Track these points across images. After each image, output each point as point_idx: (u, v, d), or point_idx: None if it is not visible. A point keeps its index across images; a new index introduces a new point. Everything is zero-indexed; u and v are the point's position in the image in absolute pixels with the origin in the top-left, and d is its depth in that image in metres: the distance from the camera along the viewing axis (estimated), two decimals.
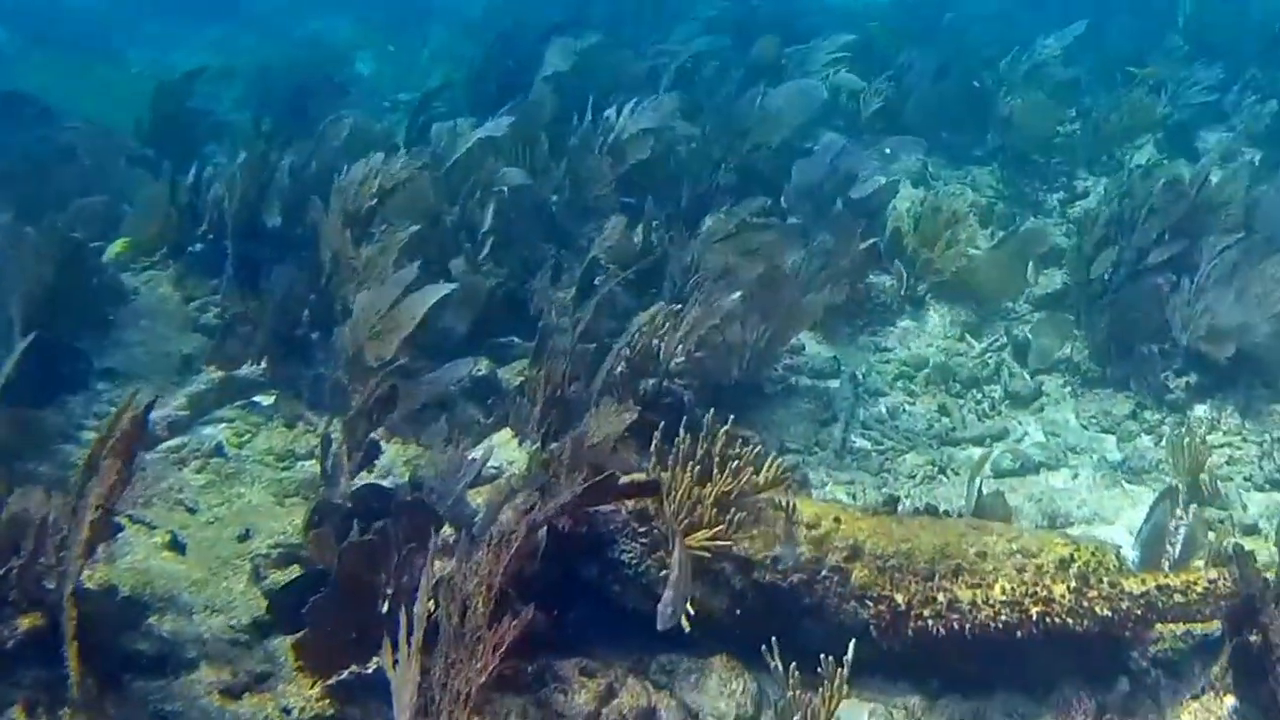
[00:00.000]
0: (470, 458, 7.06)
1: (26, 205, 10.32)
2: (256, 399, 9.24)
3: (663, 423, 8.09)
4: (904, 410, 9.52)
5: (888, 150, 12.65)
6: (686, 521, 6.52)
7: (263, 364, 9.28)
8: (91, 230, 10.52)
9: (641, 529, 6.73)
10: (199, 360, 9.51)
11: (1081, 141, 13.33)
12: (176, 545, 7.47)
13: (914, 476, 8.81)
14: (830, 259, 9.66)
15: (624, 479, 6.45)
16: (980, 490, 7.92)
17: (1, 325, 8.82)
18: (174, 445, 8.67)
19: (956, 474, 8.80)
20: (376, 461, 7.94)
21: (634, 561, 6.69)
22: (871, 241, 10.27)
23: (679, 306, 8.90)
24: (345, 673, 6.26)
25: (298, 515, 7.65)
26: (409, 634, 5.56)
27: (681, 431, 6.79)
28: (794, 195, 11.20)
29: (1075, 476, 8.87)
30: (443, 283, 8.83)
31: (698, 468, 6.64)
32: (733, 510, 6.58)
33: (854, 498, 8.49)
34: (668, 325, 8.65)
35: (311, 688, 6.22)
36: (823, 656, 5.79)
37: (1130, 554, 7.40)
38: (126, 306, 10.02)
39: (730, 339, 8.86)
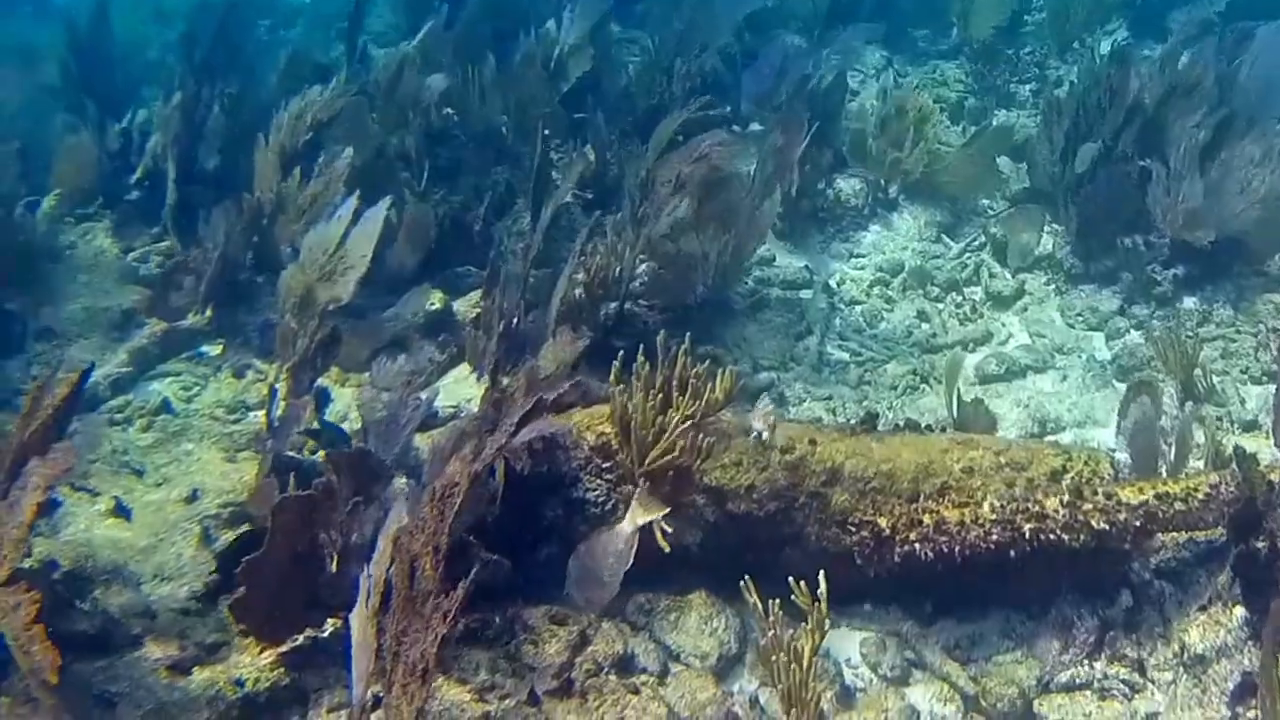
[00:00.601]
0: (415, 399, 6.55)
1: None
2: (203, 349, 8.75)
3: (623, 348, 7.80)
4: (881, 318, 9.03)
5: (834, 55, 12.06)
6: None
7: (207, 312, 8.76)
8: (16, 185, 9.92)
9: (605, 464, 6.28)
10: (140, 313, 8.98)
11: (1050, 29, 12.73)
12: (121, 512, 7.02)
13: (895, 387, 8.34)
14: (779, 157, 9.10)
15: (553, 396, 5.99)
16: (960, 399, 7.46)
17: None
18: (117, 405, 8.19)
19: (939, 381, 8.32)
20: (328, 408, 7.47)
21: (599, 499, 6.25)
22: (814, 126, 9.64)
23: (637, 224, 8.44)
24: (300, 638, 5.82)
25: (249, 471, 7.20)
26: (365, 598, 5.13)
27: (641, 356, 6.30)
28: (749, 104, 10.65)
29: (1064, 378, 8.39)
30: (380, 205, 8.21)
31: (659, 395, 6.17)
32: (701, 437, 6.12)
33: (834, 414, 8.03)
34: (625, 245, 8.16)
35: (262, 655, 5.78)
36: (797, 584, 5.30)
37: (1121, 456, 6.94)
38: (61, 263, 9.47)
39: (690, 252, 8.34)
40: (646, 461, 5.98)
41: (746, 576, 5.41)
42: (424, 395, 6.79)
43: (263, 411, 7.82)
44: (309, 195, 8.74)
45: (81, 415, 7.82)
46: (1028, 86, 12.03)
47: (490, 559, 5.98)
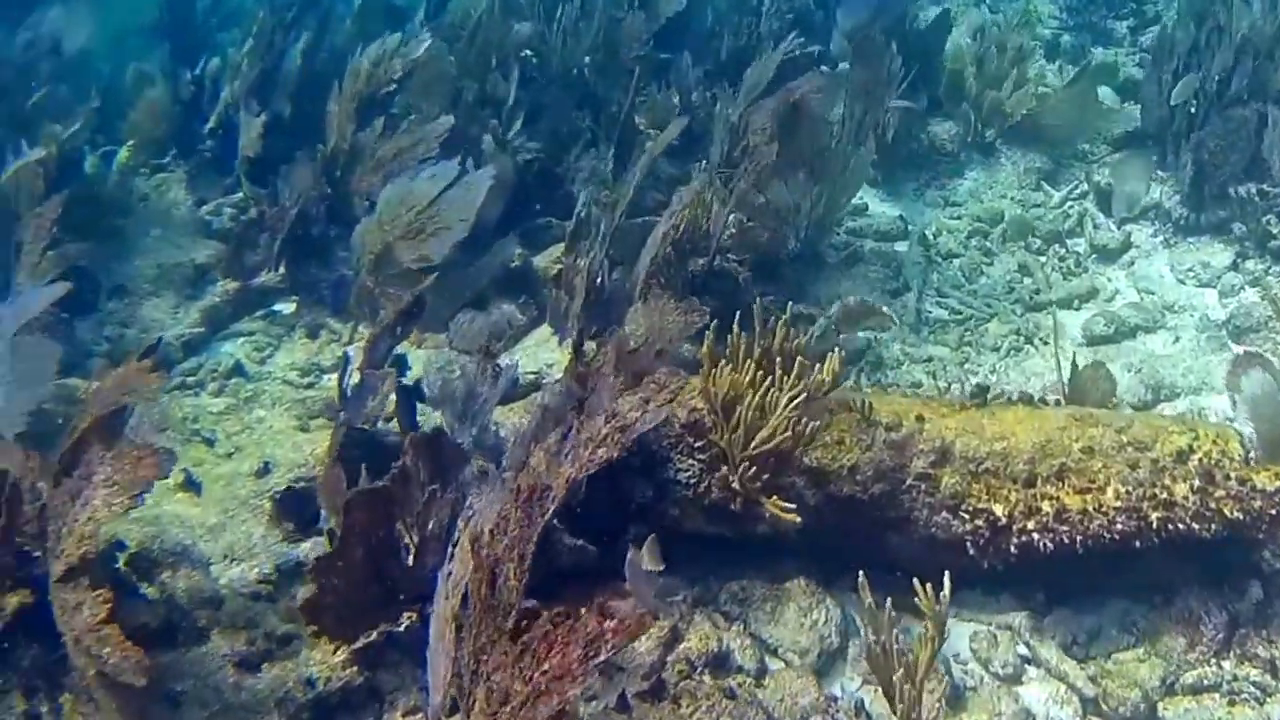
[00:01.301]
0: (494, 370, 5.93)
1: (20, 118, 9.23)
2: (276, 307, 8.19)
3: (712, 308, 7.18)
4: (981, 272, 8.28)
5: None
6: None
7: (280, 269, 8.20)
8: (92, 138, 9.37)
9: (698, 444, 5.66)
10: (214, 269, 8.43)
11: None
12: (191, 485, 6.51)
13: (998, 348, 7.62)
14: (868, 97, 8.32)
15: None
16: (1074, 363, 6.73)
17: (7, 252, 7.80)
18: (189, 367, 7.66)
19: (1045, 343, 7.59)
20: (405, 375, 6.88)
21: (692, 481, 5.66)
22: (903, 64, 8.87)
23: (728, 174, 7.75)
24: (374, 634, 5.28)
25: (322, 442, 6.65)
26: (443, 599, 4.57)
27: (735, 326, 5.64)
28: (841, 41, 9.86)
29: (1176, 340, 7.61)
30: (481, 172, 7.60)
31: (757, 370, 5.52)
32: (803, 421, 5.47)
33: (933, 377, 7.34)
34: (714, 197, 7.48)
35: (336, 653, 5.24)
36: (922, 587, 4.62)
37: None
38: (135, 216, 8.93)
39: (781, 204, 7.63)
40: (747, 448, 5.35)
41: (861, 574, 4.75)
42: (503, 364, 6.15)
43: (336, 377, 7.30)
44: (392, 148, 8.10)
45: None
46: (1125, 23, 11.07)
47: (575, 544, 5.41)
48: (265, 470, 6.54)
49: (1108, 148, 9.30)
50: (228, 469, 6.64)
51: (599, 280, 6.89)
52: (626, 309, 6.78)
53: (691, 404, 5.72)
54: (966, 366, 7.47)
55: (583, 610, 5.33)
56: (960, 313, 7.88)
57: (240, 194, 8.84)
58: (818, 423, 5.46)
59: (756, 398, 5.40)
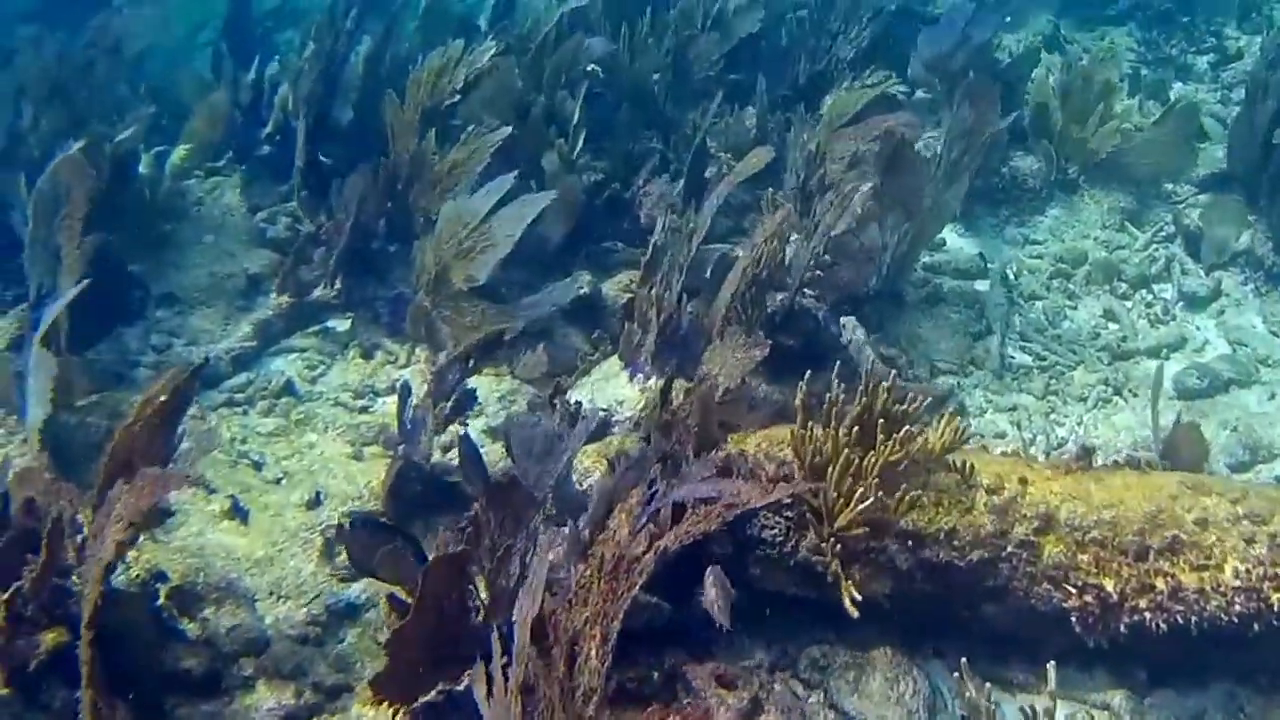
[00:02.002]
0: (573, 415, 5.43)
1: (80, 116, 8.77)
2: (330, 323, 7.69)
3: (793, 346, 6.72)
4: (1065, 316, 7.73)
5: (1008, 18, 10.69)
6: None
7: (336, 285, 7.71)
8: (146, 139, 8.89)
9: (787, 501, 5.15)
10: (267, 280, 7.94)
11: None
12: (238, 513, 6.04)
13: (1085, 399, 7.09)
14: (970, 139, 7.79)
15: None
16: (1164, 417, 6.22)
17: (50, 253, 7.31)
18: (239, 384, 7.18)
19: (1134, 394, 7.06)
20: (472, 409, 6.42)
21: (777, 540, 5.14)
22: (1013, 115, 8.41)
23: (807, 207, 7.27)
24: (432, 693, 4.78)
25: (376, 471, 6.19)
26: (507, 666, 4.08)
27: (834, 383, 5.12)
28: (921, 69, 9.33)
29: (1272, 396, 7.06)
30: (542, 193, 7.15)
31: (855, 431, 5.02)
32: (901, 485, 4.97)
33: (1018, 427, 6.82)
34: (791, 229, 6.98)
35: (395, 716, 4.74)
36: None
37: None
38: (188, 221, 8.45)
39: (867, 243, 7.11)
40: (838, 522, 4.83)
41: (964, 661, 4.24)
42: (584, 408, 5.64)
43: (392, 399, 6.83)
44: (449, 162, 7.61)
45: (199, 400, 6.89)
46: (1205, 58, 10.51)
47: (648, 601, 4.91)
48: (317, 501, 6.07)
49: (1193, 188, 8.74)
50: (277, 497, 6.16)
51: (673, 316, 6.36)
52: (703, 346, 6.31)
53: (779, 455, 5.22)
54: (1052, 417, 6.95)
55: (653, 674, 4.92)
56: (1044, 359, 7.36)
57: (295, 202, 8.32)
58: (915, 493, 4.94)
59: (847, 462, 4.89)
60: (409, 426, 5.82)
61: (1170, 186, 8.75)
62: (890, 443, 4.87)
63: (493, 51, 8.18)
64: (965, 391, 7.02)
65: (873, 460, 4.88)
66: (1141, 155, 8.56)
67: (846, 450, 4.90)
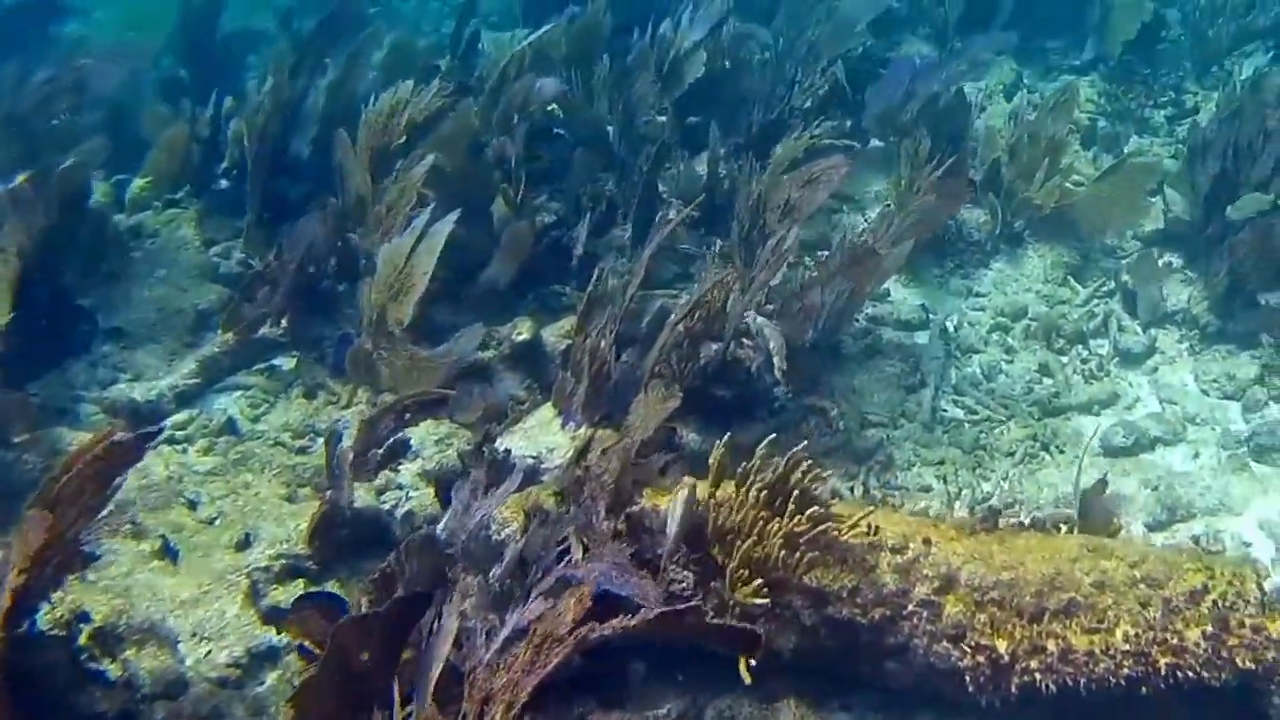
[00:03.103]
0: (498, 466, 5.72)
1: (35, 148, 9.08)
2: (277, 361, 7.98)
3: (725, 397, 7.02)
4: (1001, 370, 8.01)
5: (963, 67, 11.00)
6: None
7: (283, 323, 8.01)
8: (101, 169, 9.20)
9: (695, 555, 5.45)
10: (216, 316, 8.22)
11: (1190, 49, 11.51)
12: (169, 553, 6.30)
13: (1013, 453, 7.37)
14: (928, 217, 8.08)
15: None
16: (1088, 475, 6.53)
17: None
18: (181, 420, 7.45)
19: (1061, 451, 7.35)
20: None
21: (685, 592, 5.40)
22: (968, 181, 8.72)
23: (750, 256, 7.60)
24: None
25: (308, 513, 6.46)
26: None
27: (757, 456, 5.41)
28: (872, 120, 9.66)
29: (1196, 455, 7.33)
30: (443, 222, 7.38)
31: (764, 492, 5.32)
32: (801, 551, 5.28)
33: (944, 481, 7.10)
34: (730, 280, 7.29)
35: None
36: None
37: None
38: (141, 253, 8.75)
39: (807, 303, 7.41)
40: (730, 581, 5.13)
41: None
42: (511, 460, 5.93)
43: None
44: (386, 203, 7.92)
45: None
46: (1162, 112, 10.81)
47: None
48: (246, 543, 6.34)
49: (1138, 243, 9.05)
50: (208, 537, 6.43)
51: (604, 366, 6.66)
52: (635, 395, 6.61)
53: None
54: (979, 471, 7.23)
55: None
56: (976, 413, 7.64)
57: (250, 240, 8.63)
58: (815, 554, 5.25)
59: (756, 531, 5.20)
60: (336, 472, 6.11)
61: (1115, 241, 9.04)
62: (798, 516, 5.17)
63: (435, 92, 8.45)
64: (895, 444, 7.30)
65: (777, 527, 5.18)
66: (1087, 210, 8.85)
67: (753, 512, 5.20)
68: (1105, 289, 8.66)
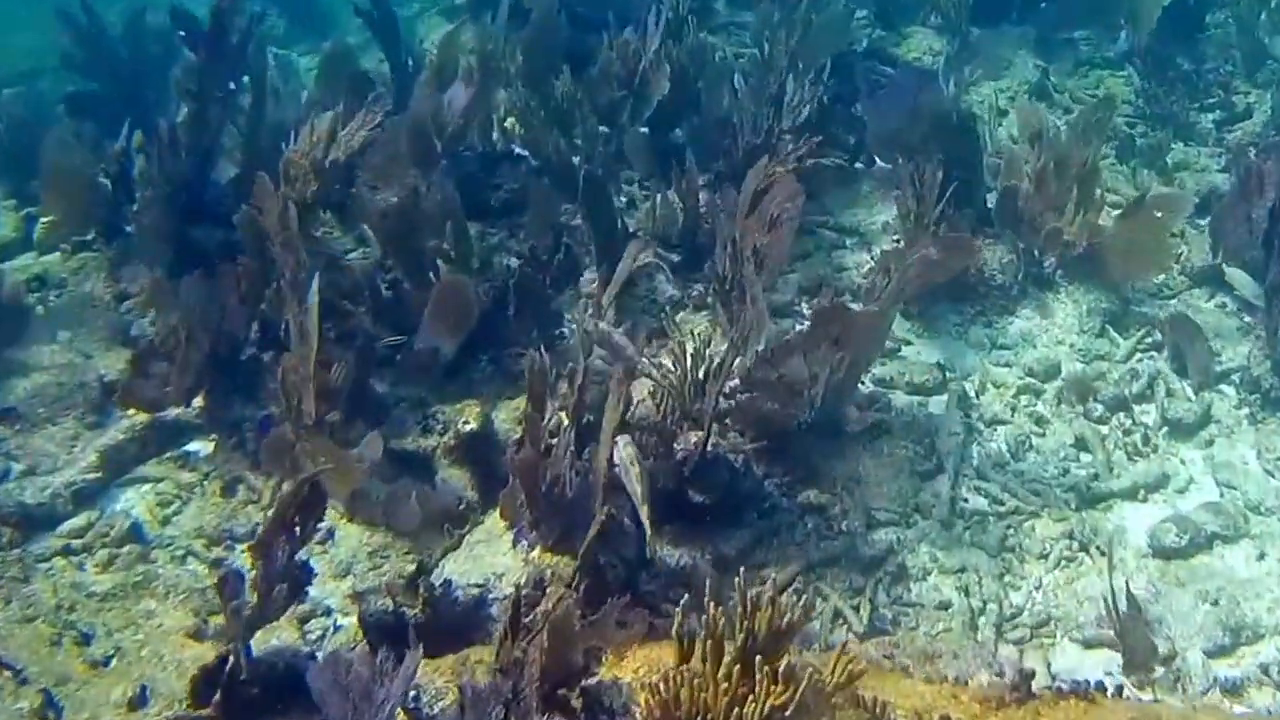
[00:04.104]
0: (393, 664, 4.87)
1: None
2: (192, 447, 7.18)
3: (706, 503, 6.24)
4: (1030, 445, 7.17)
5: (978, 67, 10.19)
6: None
7: (196, 401, 7.19)
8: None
9: None
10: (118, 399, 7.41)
11: (1238, 38, 10.59)
12: (51, 709, 5.51)
13: (1046, 556, 6.57)
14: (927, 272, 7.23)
15: None
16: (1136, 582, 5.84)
17: None
18: (78, 526, 6.68)
19: (1102, 552, 6.53)
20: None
21: None
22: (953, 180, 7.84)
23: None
24: None
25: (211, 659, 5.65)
26: None
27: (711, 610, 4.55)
28: (876, 143, 8.81)
29: (1261, 556, 6.52)
30: (311, 287, 6.50)
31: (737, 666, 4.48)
32: None
33: (966, 594, 6.30)
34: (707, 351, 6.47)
35: None
36: None
37: None
38: (48, 307, 7.94)
39: (789, 375, 6.57)
40: None
41: None
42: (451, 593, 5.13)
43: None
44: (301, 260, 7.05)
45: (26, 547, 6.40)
46: (1210, 115, 9.95)
47: None
48: (142, 700, 5.55)
49: (1185, 280, 8.23)
50: (99, 689, 5.64)
51: (560, 473, 5.82)
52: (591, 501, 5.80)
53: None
54: (1007, 579, 6.43)
55: None
56: (1002, 503, 6.82)
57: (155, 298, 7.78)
58: None
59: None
60: (232, 614, 5.28)
61: (1160, 278, 8.19)
62: (772, 684, 4.33)
63: (364, 130, 7.59)
64: (907, 548, 6.49)
65: (753, 709, 4.34)
66: (1123, 244, 7.98)
67: (724, 698, 4.37)
68: (1150, 340, 7.80)
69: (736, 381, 6.59)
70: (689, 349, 6.31)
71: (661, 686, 4.42)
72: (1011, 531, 6.68)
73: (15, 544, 6.55)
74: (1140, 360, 7.72)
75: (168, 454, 7.13)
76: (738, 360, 6.42)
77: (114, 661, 5.87)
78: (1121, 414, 7.40)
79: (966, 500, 6.84)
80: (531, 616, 4.91)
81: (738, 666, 4.47)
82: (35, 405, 7.29)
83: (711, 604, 4.47)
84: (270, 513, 5.50)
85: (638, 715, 4.63)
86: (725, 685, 4.36)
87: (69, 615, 6.09)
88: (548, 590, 5.30)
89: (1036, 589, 6.39)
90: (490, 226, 8.36)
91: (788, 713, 4.38)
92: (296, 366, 6.41)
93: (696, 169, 8.08)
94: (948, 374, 7.56)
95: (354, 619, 5.96)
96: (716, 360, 6.28)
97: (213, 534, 6.64)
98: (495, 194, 8.48)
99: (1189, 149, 9.65)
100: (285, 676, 5.52)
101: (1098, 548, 6.55)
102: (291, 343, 6.45)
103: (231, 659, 5.31)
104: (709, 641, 4.44)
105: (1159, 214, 7.84)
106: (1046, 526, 6.72)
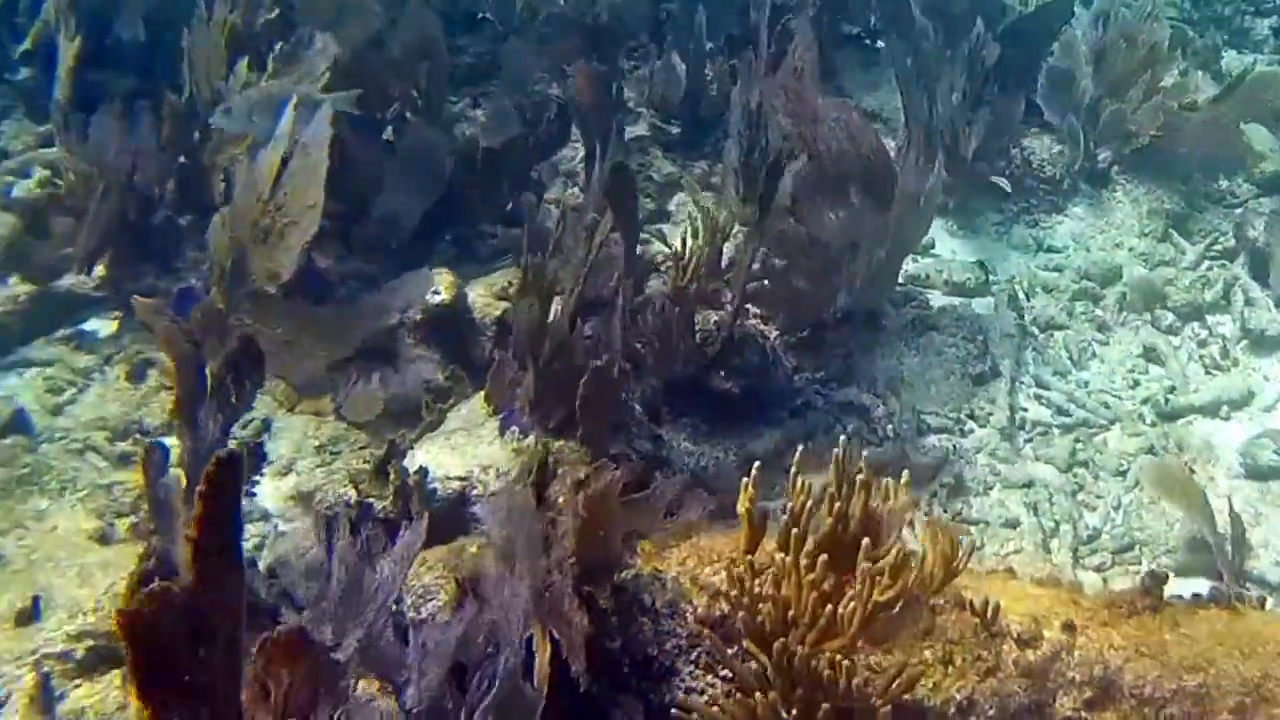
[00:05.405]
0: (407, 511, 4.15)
1: None
2: (88, 326, 6.33)
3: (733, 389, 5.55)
4: (1093, 354, 6.62)
5: None
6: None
7: (98, 269, 6.35)
8: None
9: (724, 650, 3.93)
10: (10, 260, 6.56)
11: None
12: None
13: (1123, 473, 5.97)
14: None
15: None
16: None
17: None
18: None
19: (1191, 470, 5.95)
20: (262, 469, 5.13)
21: (711, 706, 3.90)
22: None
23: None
24: None
25: (125, 564, 4.85)
26: None
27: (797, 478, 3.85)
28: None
29: None
30: (319, 117, 5.64)
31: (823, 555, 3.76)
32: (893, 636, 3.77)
33: (1035, 512, 5.69)
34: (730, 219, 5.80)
35: None
36: None
37: None
38: None
39: (826, 238, 5.89)
40: (793, 709, 3.58)
41: None
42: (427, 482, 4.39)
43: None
44: (255, 100, 6.24)
45: None
46: (1267, 21, 9.48)
47: None
48: (34, 613, 4.71)
49: (1251, 188, 7.68)
50: None
51: (564, 343, 5.10)
52: (606, 390, 5.08)
53: (715, 583, 4.00)
54: (1080, 498, 5.82)
55: None
56: (1068, 414, 6.23)
57: (56, 149, 6.92)
58: (916, 662, 3.75)
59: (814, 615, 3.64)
60: (161, 510, 4.49)
61: (1225, 184, 7.65)
62: (875, 575, 3.63)
63: None
64: (963, 458, 5.85)
65: (852, 609, 3.63)
66: (1195, 142, 7.44)
67: (814, 593, 3.65)
68: (1219, 246, 7.25)
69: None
70: (710, 216, 5.64)
71: (728, 579, 3.73)
72: (1081, 445, 6.09)
73: None
74: (1210, 268, 7.16)
75: (59, 333, 6.25)
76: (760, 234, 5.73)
77: None
78: (1194, 324, 6.85)
79: (1026, 409, 6.23)
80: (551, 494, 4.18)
81: (825, 556, 3.76)
82: None
83: (797, 477, 3.79)
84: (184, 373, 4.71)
85: (690, 616, 3.94)
86: (813, 576, 3.67)
87: None
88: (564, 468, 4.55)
89: (1115, 509, 5.78)
90: (452, 95, 7.59)
91: (894, 612, 3.71)
92: (238, 222, 5.59)
93: (704, 29, 7.39)
94: (990, 275, 6.95)
95: (297, 525, 5.23)
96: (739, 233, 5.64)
97: (118, 426, 5.80)
98: (455, 58, 7.70)
99: (1242, 56, 9.13)
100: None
101: (1188, 465, 5.96)
102: (234, 194, 5.62)
103: (153, 562, 4.51)
104: (792, 526, 3.74)
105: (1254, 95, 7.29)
106: (1120, 441, 6.14)
